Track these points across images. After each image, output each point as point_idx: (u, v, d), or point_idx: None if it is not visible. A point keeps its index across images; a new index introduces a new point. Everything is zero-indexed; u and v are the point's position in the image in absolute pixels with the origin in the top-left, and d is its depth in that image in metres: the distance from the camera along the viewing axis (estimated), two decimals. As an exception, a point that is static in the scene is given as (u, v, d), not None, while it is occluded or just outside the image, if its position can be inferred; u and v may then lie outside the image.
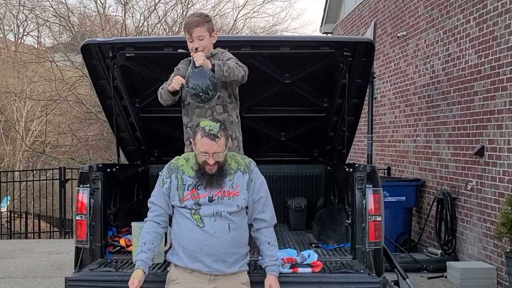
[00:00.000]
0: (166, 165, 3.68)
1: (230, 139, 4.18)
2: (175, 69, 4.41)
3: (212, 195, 3.48)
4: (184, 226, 3.50)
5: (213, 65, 3.85)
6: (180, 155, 3.77)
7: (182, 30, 24.36)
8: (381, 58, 10.64)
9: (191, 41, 4.06)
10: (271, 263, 3.66)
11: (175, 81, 4.02)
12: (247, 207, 3.60)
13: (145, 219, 3.66)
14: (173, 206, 3.60)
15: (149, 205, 3.66)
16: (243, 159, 3.67)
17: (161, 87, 4.27)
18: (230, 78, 3.98)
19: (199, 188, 3.49)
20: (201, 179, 3.48)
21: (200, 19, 4.05)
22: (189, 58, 4.20)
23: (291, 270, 4.10)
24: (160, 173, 3.69)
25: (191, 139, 3.65)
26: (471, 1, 7.34)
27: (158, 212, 3.61)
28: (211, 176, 3.46)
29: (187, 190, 3.51)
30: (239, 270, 3.56)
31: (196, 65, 3.81)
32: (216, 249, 3.44)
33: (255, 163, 3.70)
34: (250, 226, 3.69)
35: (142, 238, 3.57)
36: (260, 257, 3.78)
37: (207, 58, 4.05)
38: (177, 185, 3.54)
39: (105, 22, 22.66)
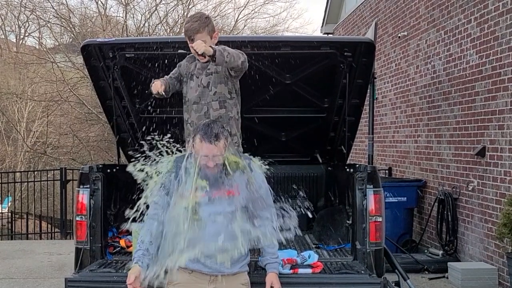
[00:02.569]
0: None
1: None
2: (177, 65, 4.42)
3: (212, 195, 3.44)
4: (183, 228, 3.42)
5: (215, 51, 3.84)
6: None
7: (183, 31, 24.47)
8: (382, 58, 10.63)
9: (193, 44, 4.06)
10: (272, 260, 3.63)
11: (153, 87, 4.09)
12: (246, 206, 3.56)
13: (144, 217, 3.58)
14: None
15: (149, 203, 3.59)
16: (243, 157, 3.64)
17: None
18: (231, 64, 3.97)
19: (198, 188, 3.44)
20: (200, 181, 3.41)
21: (200, 23, 4.01)
22: (193, 55, 4.21)
23: (291, 271, 4.09)
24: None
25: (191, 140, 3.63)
26: (472, 1, 7.33)
27: (157, 210, 3.55)
28: (211, 178, 3.43)
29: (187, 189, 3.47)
30: (240, 270, 3.54)
31: (199, 53, 3.84)
32: (216, 250, 3.40)
33: (254, 160, 3.67)
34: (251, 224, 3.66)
35: (140, 236, 3.52)
36: (260, 257, 3.76)
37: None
38: (176, 184, 3.50)
39: (106, 23, 22.69)
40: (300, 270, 4.14)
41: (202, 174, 3.43)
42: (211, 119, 3.54)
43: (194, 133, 3.43)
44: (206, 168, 3.40)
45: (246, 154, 3.73)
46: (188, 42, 4.09)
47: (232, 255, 3.46)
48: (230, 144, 3.51)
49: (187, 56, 4.39)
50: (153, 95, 4.20)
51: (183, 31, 4.05)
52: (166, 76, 4.41)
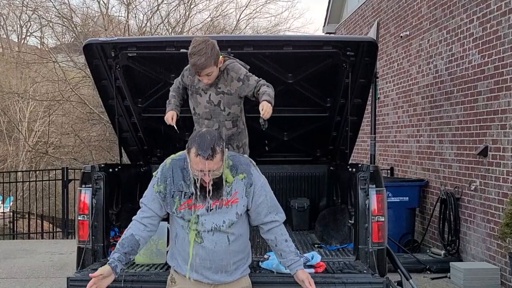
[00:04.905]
0: (161, 166, 3.44)
1: (236, 147, 4.36)
2: (181, 75, 4.41)
3: (210, 204, 3.29)
4: (182, 239, 3.36)
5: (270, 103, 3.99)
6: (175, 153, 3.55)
7: (184, 30, 24.18)
8: (384, 58, 10.62)
9: (200, 76, 4.07)
10: (296, 258, 3.49)
11: (166, 119, 4.31)
12: (248, 209, 3.43)
13: (133, 218, 3.44)
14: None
15: (140, 204, 3.47)
16: (241, 162, 3.42)
17: (168, 100, 4.43)
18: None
19: (196, 197, 3.29)
20: (197, 191, 3.26)
21: (207, 58, 3.91)
22: None
23: (293, 271, 4.07)
24: (154, 173, 3.47)
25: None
26: (475, 0, 7.31)
27: (148, 214, 3.41)
28: (208, 188, 3.24)
29: (184, 198, 3.33)
30: (241, 276, 3.45)
31: (267, 117, 3.95)
32: (216, 263, 3.32)
33: (254, 164, 3.50)
34: (260, 229, 3.52)
35: (122, 238, 3.35)
36: (263, 259, 3.70)
37: (216, 78, 4.13)
38: (173, 191, 3.34)
39: (108, 23, 22.69)
40: (303, 270, 4.13)
41: (197, 185, 3.25)
42: (207, 129, 3.37)
43: (189, 145, 3.18)
44: (202, 182, 3.22)
45: (246, 156, 3.63)
46: (195, 74, 4.09)
47: (232, 267, 3.39)
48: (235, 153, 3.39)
49: (189, 67, 4.33)
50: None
51: (189, 54, 3.94)
52: (176, 79, 4.44)
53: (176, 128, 4.32)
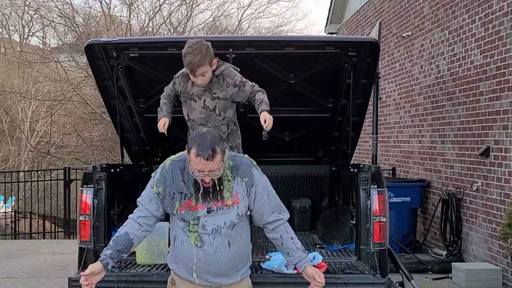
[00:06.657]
0: (161, 167, 3.37)
1: (229, 148, 4.31)
2: (172, 82, 4.44)
3: (211, 205, 3.25)
4: (182, 243, 3.33)
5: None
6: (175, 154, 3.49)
7: (186, 31, 24.13)
8: (386, 58, 10.61)
9: (194, 76, 4.09)
10: (304, 255, 3.41)
11: (158, 126, 4.37)
12: (251, 210, 3.38)
13: (129, 216, 3.40)
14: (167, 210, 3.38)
15: (137, 203, 3.41)
16: (242, 163, 3.36)
17: (159, 107, 4.48)
18: None
19: (196, 198, 3.25)
20: (198, 192, 3.22)
21: (202, 56, 3.97)
22: (187, 72, 4.20)
23: (295, 271, 4.07)
24: (153, 174, 3.38)
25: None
26: (477, 0, 7.30)
27: (144, 214, 3.36)
28: (208, 189, 3.21)
29: (184, 199, 3.28)
30: (241, 278, 3.42)
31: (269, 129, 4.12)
32: (216, 267, 3.29)
33: (255, 164, 3.43)
34: (264, 228, 3.47)
35: (116, 235, 3.32)
36: (265, 260, 3.70)
37: (210, 82, 4.18)
38: (173, 193, 3.30)
39: (110, 23, 22.71)
40: (304, 270, 4.12)
41: (198, 186, 3.22)
42: (207, 129, 3.30)
43: (189, 145, 3.13)
44: (202, 182, 3.19)
45: (246, 156, 3.52)
46: (190, 74, 4.12)
47: (233, 270, 3.36)
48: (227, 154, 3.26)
49: (180, 74, 4.35)
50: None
51: (183, 55, 4.00)
52: (167, 86, 4.47)
53: (166, 134, 4.36)
